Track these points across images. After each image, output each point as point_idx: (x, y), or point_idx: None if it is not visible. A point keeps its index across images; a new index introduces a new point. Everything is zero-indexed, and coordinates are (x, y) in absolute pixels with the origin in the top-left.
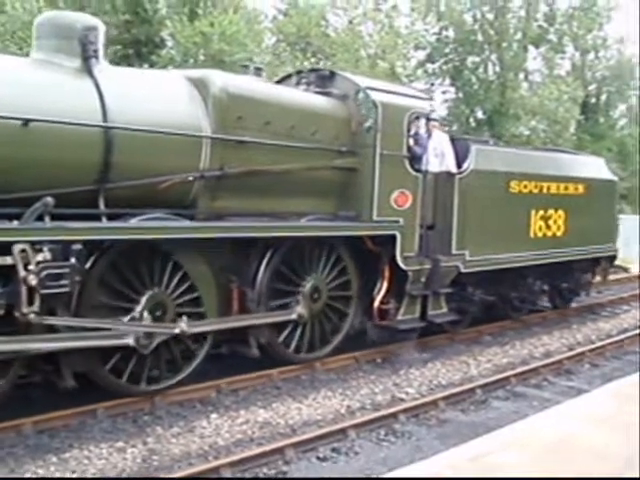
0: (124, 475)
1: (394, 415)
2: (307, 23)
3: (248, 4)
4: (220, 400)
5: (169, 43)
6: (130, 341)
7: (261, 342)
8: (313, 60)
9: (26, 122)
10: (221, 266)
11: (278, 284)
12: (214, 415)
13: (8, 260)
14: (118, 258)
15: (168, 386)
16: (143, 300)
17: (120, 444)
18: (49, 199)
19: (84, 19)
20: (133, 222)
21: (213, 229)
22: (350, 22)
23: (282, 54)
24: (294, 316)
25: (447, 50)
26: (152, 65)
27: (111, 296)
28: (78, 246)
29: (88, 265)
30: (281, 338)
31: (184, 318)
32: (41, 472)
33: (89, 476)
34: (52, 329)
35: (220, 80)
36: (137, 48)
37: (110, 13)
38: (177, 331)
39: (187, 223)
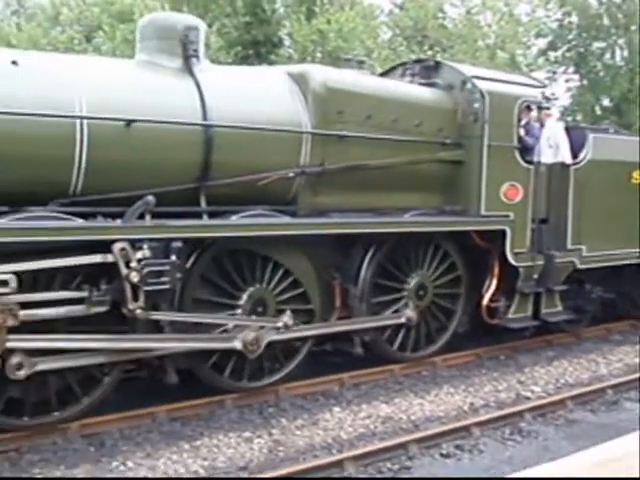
0: (252, 465)
1: (520, 414)
2: (424, 15)
3: (364, 0)
4: (342, 394)
5: (287, 42)
6: (238, 345)
7: (365, 340)
8: (430, 53)
9: (129, 123)
10: (322, 262)
11: (381, 281)
12: (337, 408)
13: (109, 258)
14: (219, 255)
15: (270, 383)
16: (244, 297)
17: (247, 434)
18: (150, 198)
19: (185, 19)
20: (233, 219)
21: (315, 225)
22: (468, 12)
23: (398, 48)
24: (403, 319)
25: (570, 36)
26: (271, 64)
27: (212, 293)
28: (178, 244)
29: (190, 263)
30: (385, 336)
31: (288, 312)
32: (175, 457)
33: (219, 464)
34: (156, 325)
35: (320, 75)
36: (256, 48)
37: (231, 15)
38: (280, 325)
39: (288, 219)
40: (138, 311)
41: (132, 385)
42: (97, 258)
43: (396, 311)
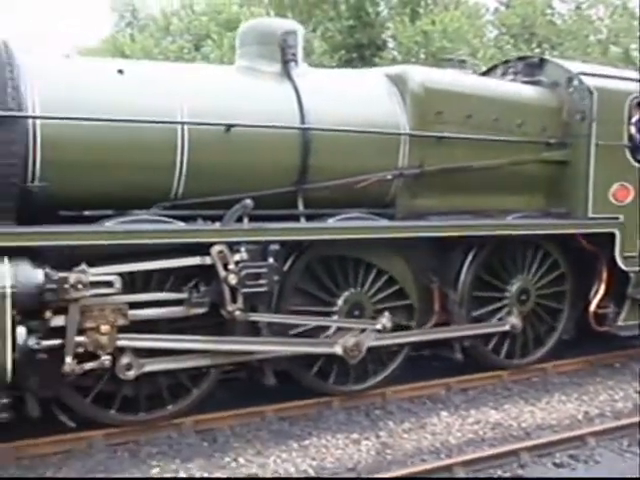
0: (360, 467)
1: (639, 425)
2: (532, 12)
3: None
4: (450, 398)
5: (390, 44)
6: (338, 350)
7: (465, 346)
8: (538, 51)
9: (228, 127)
10: (420, 265)
11: (482, 285)
12: (444, 413)
13: (207, 260)
14: (317, 258)
15: (370, 386)
16: (340, 302)
17: (355, 436)
18: (248, 201)
19: (284, 24)
20: (331, 222)
21: (415, 228)
22: (578, 7)
23: (505, 47)
24: (507, 327)
25: None
26: (374, 67)
27: (308, 297)
28: (276, 246)
29: (287, 266)
30: (487, 342)
31: (385, 314)
32: (284, 456)
33: (328, 465)
34: (254, 328)
35: (418, 75)
36: (360, 52)
37: (335, 20)
38: (379, 327)
39: (387, 222)
40: (237, 312)
41: (239, 383)
42: (196, 260)
43: (498, 317)
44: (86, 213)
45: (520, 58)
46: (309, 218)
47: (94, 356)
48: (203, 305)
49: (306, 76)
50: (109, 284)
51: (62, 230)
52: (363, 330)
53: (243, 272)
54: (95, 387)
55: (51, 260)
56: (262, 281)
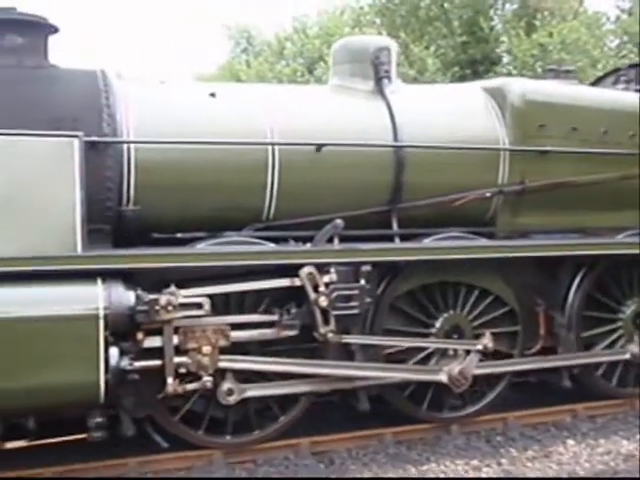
0: None
1: None
2: None
3: (588, 8)
4: (576, 426)
5: (505, 59)
6: (443, 378)
7: (573, 373)
8: None
9: (319, 147)
10: (523, 287)
11: (591, 309)
12: (571, 441)
13: (297, 282)
14: (411, 280)
15: (468, 414)
16: (437, 324)
17: (475, 462)
18: (339, 221)
19: (376, 41)
20: (427, 242)
21: (520, 248)
22: None
23: (628, 56)
24: (627, 356)
25: None
26: None
27: (403, 321)
28: (367, 267)
29: (381, 289)
30: (600, 371)
31: (487, 334)
32: None
33: None
34: (347, 351)
35: (518, 87)
36: (474, 67)
37: (448, 37)
38: (480, 347)
39: (487, 241)
40: (330, 335)
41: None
42: (285, 282)
43: (611, 341)
44: (179, 235)
45: (632, 65)
46: (403, 238)
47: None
48: (294, 327)
49: (400, 93)
50: (199, 306)
51: (154, 253)
52: (465, 353)
53: (334, 294)
54: (184, 407)
55: (142, 282)
56: (353, 303)
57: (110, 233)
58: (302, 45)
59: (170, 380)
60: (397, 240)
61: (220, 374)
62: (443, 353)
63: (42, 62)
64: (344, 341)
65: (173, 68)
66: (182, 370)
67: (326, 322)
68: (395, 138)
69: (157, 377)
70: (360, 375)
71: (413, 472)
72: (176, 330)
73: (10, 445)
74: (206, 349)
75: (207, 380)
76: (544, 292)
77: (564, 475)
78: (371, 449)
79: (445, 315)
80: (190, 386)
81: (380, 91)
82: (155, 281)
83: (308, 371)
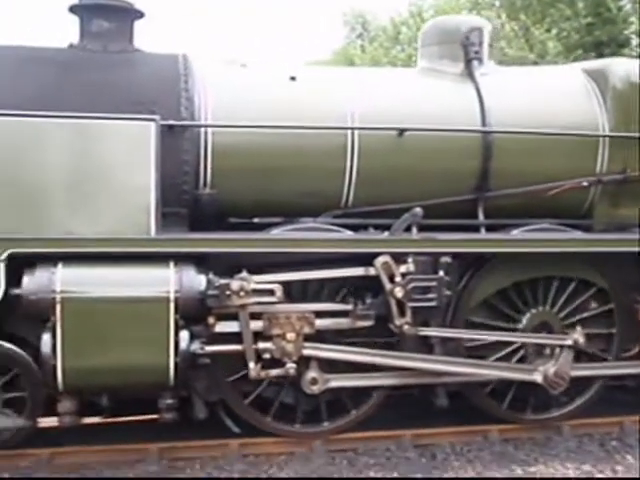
0: None
1: None
2: None
3: None
4: None
5: (634, 41)
6: (538, 378)
7: None
8: None
9: (401, 132)
10: (622, 284)
11: None
12: None
13: (371, 271)
14: (499, 273)
15: (552, 418)
16: (524, 320)
17: (587, 467)
18: (418, 209)
19: (468, 21)
20: (515, 233)
21: (619, 242)
22: None
23: None
24: None
25: None
26: None
27: (488, 316)
28: (447, 259)
29: (464, 281)
30: None
31: (578, 329)
32: None
33: None
34: (426, 345)
35: (622, 69)
36: (599, 50)
37: (571, 19)
38: (570, 343)
39: (579, 234)
40: (405, 327)
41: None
42: (359, 271)
43: None
44: (255, 220)
45: None
46: (490, 229)
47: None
48: (369, 318)
49: (491, 75)
50: (271, 292)
51: (225, 237)
52: (554, 350)
53: (410, 285)
54: (254, 392)
55: (217, 267)
56: (431, 295)
57: (187, 217)
58: (418, 29)
59: (252, 365)
60: (483, 231)
61: (304, 362)
62: (531, 351)
63: (127, 47)
64: (421, 334)
65: (288, 54)
66: (266, 356)
67: (402, 314)
68: (483, 123)
69: (230, 362)
70: (452, 371)
71: (519, 473)
72: (259, 316)
73: (87, 420)
74: (290, 336)
75: (291, 367)
76: None
77: None
78: (475, 446)
79: (533, 311)
80: (273, 372)
81: (469, 74)
82: (230, 266)
83: (397, 364)
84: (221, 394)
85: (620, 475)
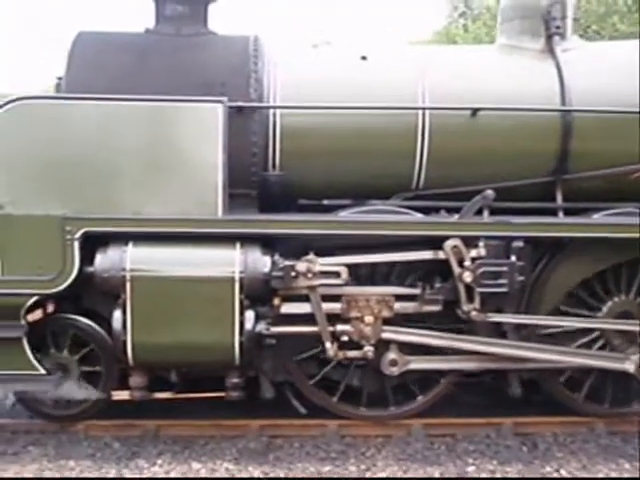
0: None
1: None
2: None
3: None
4: None
5: None
6: (630, 367)
7: None
8: None
9: (474, 112)
10: None
11: None
12: None
13: (441, 255)
14: (579, 260)
15: (623, 412)
16: (604, 309)
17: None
18: (489, 192)
19: None
20: (595, 218)
21: None
22: None
23: None
24: None
25: None
26: None
27: (568, 303)
28: (519, 243)
29: (540, 267)
30: None
31: None
32: (613, 474)
33: None
34: (499, 331)
35: None
36: None
37: None
38: None
39: None
40: (473, 313)
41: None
42: (428, 254)
43: None
44: (325, 202)
45: None
46: (568, 213)
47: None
48: (437, 303)
49: (574, 51)
50: (337, 274)
51: (291, 219)
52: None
53: (479, 270)
54: (320, 373)
55: (285, 249)
56: (502, 281)
57: (256, 198)
58: None
59: (328, 344)
60: (561, 214)
61: (383, 345)
62: (615, 341)
63: (200, 29)
64: (490, 320)
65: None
66: (344, 338)
67: (470, 299)
68: (563, 102)
69: (297, 343)
70: (538, 357)
71: (627, 467)
72: (332, 298)
73: (159, 395)
74: (369, 319)
75: (369, 350)
76: None
77: None
78: (580, 437)
79: (615, 299)
80: (351, 354)
81: (550, 50)
82: (299, 248)
83: (480, 349)
84: (287, 375)
85: None
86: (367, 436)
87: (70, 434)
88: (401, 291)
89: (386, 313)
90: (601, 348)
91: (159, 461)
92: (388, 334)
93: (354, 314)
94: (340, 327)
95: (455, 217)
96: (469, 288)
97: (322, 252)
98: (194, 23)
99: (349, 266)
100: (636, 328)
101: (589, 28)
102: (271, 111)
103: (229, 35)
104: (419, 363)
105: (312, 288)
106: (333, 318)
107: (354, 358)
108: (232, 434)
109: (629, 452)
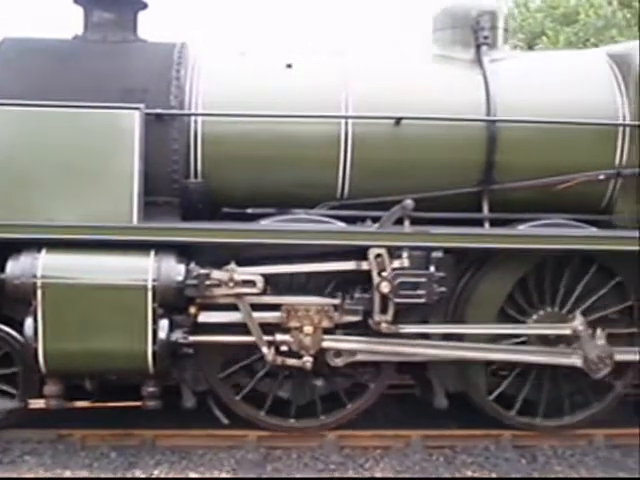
0: None
1: None
2: None
3: None
4: None
5: None
6: (577, 361)
7: None
8: None
9: (398, 121)
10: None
11: None
12: None
13: (364, 265)
14: (500, 271)
15: (564, 425)
16: (530, 321)
17: None
18: (408, 202)
19: (479, 4)
20: (522, 229)
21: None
22: None
23: None
24: None
25: None
26: None
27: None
28: (438, 254)
29: (466, 278)
30: None
31: (577, 315)
32: None
33: None
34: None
35: None
36: None
37: None
38: (568, 332)
39: (586, 231)
40: (383, 325)
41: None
42: (351, 265)
43: None
44: (249, 211)
45: None
46: (495, 223)
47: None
48: (356, 313)
49: (504, 61)
50: (252, 283)
51: (207, 227)
52: None
53: (397, 280)
54: (248, 385)
55: (211, 258)
56: (420, 291)
57: (178, 206)
58: (523, 20)
59: (265, 350)
60: (487, 225)
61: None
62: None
63: (127, 36)
64: (402, 331)
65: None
66: (283, 348)
67: (384, 310)
68: (488, 112)
69: (219, 353)
70: (490, 358)
71: None
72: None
73: (78, 404)
74: (308, 329)
75: (307, 360)
76: None
77: None
78: (579, 450)
79: (541, 312)
80: (290, 361)
81: (478, 60)
82: (223, 257)
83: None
84: (210, 385)
85: None
86: (365, 447)
87: (67, 443)
88: (319, 301)
89: (326, 323)
90: None
91: (156, 471)
92: (329, 343)
93: (294, 324)
94: (279, 337)
95: (373, 227)
96: (385, 299)
97: (246, 261)
98: (122, 30)
99: (271, 276)
100: (552, 331)
101: (588, 41)
102: (192, 118)
103: (156, 42)
104: (364, 354)
105: (239, 297)
106: (270, 327)
107: (292, 367)
108: (230, 445)
109: (629, 465)
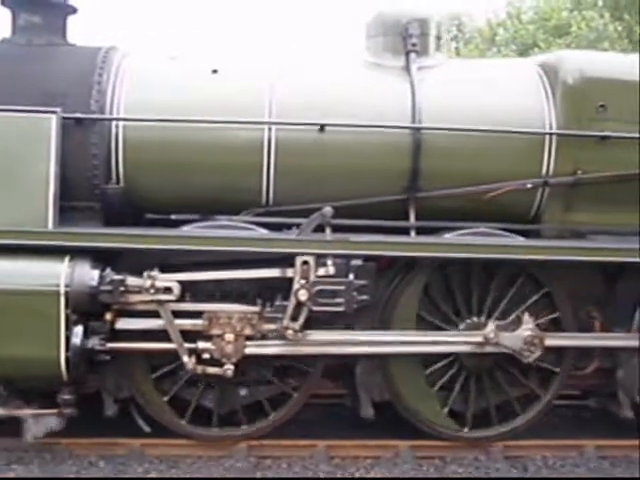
0: None
1: None
2: None
3: None
4: None
5: None
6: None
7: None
8: None
9: (322, 127)
10: (571, 292)
11: None
12: None
13: (289, 273)
14: (428, 279)
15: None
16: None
17: None
18: (327, 209)
19: (410, 12)
20: (448, 237)
21: (551, 250)
22: None
23: None
24: None
25: None
26: None
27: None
28: (358, 262)
29: (393, 286)
30: None
31: (489, 323)
32: None
33: None
34: None
35: (574, 62)
36: None
37: None
38: (479, 340)
39: (518, 241)
40: (289, 331)
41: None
42: (276, 272)
43: None
44: (172, 217)
45: None
46: (420, 231)
47: None
48: (277, 321)
49: (432, 69)
50: (169, 290)
51: (123, 233)
52: None
53: (315, 288)
54: (169, 392)
55: (127, 264)
56: (339, 299)
57: (100, 211)
58: (515, 31)
59: (186, 358)
60: (413, 233)
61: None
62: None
63: (53, 40)
64: (308, 338)
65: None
66: (205, 355)
67: (294, 318)
68: (413, 120)
69: (143, 360)
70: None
71: None
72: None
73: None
74: (229, 337)
75: (229, 368)
76: (599, 302)
77: None
78: (570, 461)
79: (467, 321)
80: (211, 370)
81: (407, 67)
82: (147, 264)
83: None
84: (132, 392)
85: None
86: (356, 457)
87: (54, 452)
88: (240, 309)
89: (248, 331)
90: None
91: None
92: (252, 349)
93: (216, 331)
94: (202, 344)
95: (292, 235)
96: (300, 306)
97: (172, 268)
98: (48, 34)
99: (191, 283)
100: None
101: None
102: (114, 123)
103: (83, 46)
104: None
105: (161, 304)
106: (191, 334)
107: (213, 375)
108: (219, 454)
109: (619, 476)
